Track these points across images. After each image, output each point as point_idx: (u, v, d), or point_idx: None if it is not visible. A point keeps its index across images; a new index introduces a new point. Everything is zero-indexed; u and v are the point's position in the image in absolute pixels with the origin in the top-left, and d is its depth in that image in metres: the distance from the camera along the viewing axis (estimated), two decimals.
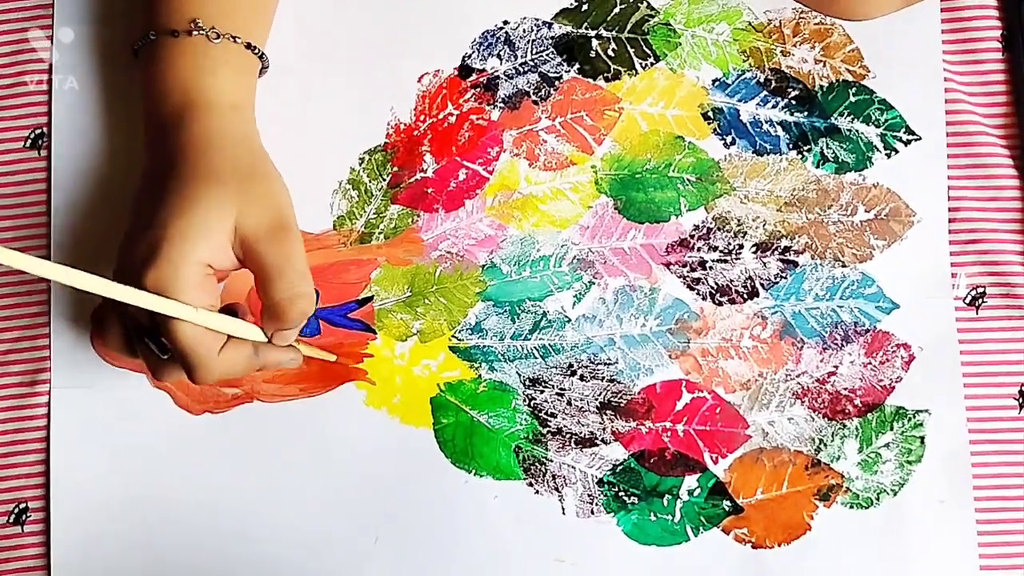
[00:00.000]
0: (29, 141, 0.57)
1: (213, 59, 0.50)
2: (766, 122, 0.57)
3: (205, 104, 0.49)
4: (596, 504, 0.55)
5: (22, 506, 0.55)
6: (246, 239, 0.46)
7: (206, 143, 0.48)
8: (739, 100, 0.57)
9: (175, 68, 0.50)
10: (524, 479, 0.55)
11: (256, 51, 0.52)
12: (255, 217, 0.46)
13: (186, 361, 0.45)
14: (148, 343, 0.46)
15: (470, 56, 0.57)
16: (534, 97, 0.57)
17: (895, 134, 0.57)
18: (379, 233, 0.56)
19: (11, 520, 0.55)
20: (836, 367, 0.56)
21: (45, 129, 0.56)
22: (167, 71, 0.50)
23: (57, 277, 0.41)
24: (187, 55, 0.50)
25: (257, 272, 0.47)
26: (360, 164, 0.56)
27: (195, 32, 0.50)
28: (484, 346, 0.56)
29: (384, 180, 0.56)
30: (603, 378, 0.55)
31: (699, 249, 0.56)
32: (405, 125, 0.57)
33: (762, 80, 0.57)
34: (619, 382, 0.55)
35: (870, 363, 0.55)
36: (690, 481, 0.55)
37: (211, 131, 0.49)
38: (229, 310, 0.48)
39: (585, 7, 0.58)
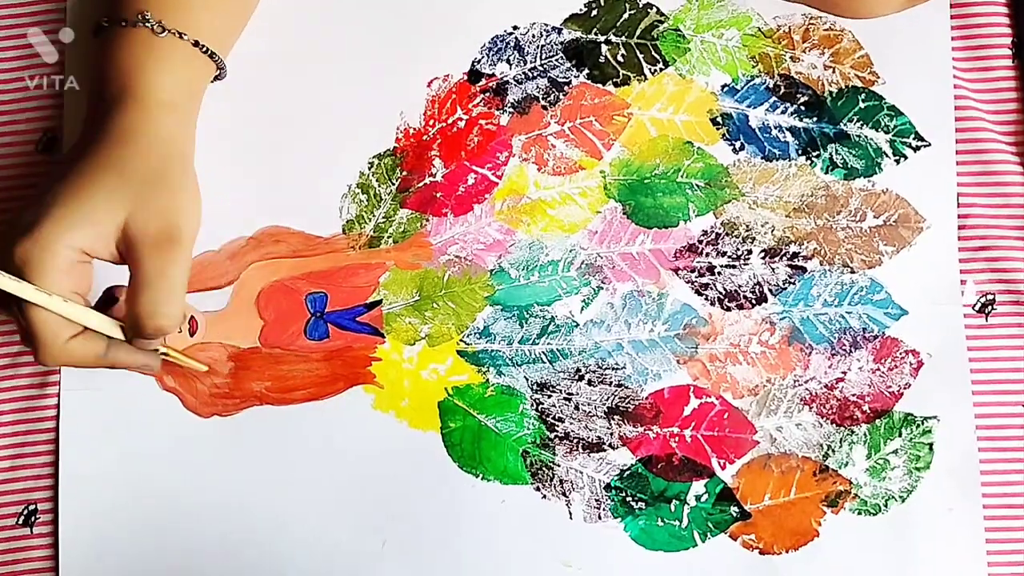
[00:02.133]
0: (41, 145, 0.57)
1: (156, 54, 0.49)
2: (775, 128, 0.57)
3: (137, 97, 0.49)
4: (603, 509, 0.55)
5: (31, 507, 0.55)
6: (130, 240, 0.45)
7: (124, 135, 0.47)
8: (748, 106, 0.57)
9: (119, 57, 0.49)
10: (531, 483, 0.55)
11: (205, 51, 0.51)
12: (144, 221, 0.46)
13: (31, 341, 0.45)
14: (14, 309, 0.46)
15: (480, 61, 0.57)
16: (543, 102, 0.57)
17: (904, 140, 0.57)
18: (388, 237, 0.56)
19: (20, 521, 0.55)
20: (844, 373, 0.55)
21: (57, 133, 0.57)
22: (112, 59, 0.50)
23: None
24: (131, 46, 0.49)
25: (132, 274, 0.46)
26: (370, 168, 0.57)
27: (141, 23, 0.49)
28: (492, 350, 0.56)
29: (393, 184, 0.56)
30: (611, 383, 0.55)
31: (708, 254, 0.56)
32: (415, 130, 0.57)
33: (771, 86, 0.57)
34: (627, 387, 0.55)
35: (879, 369, 0.55)
36: (698, 487, 0.55)
37: (133, 125, 0.48)
38: (107, 294, 0.48)
39: (594, 13, 0.58)
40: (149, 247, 0.45)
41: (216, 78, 0.54)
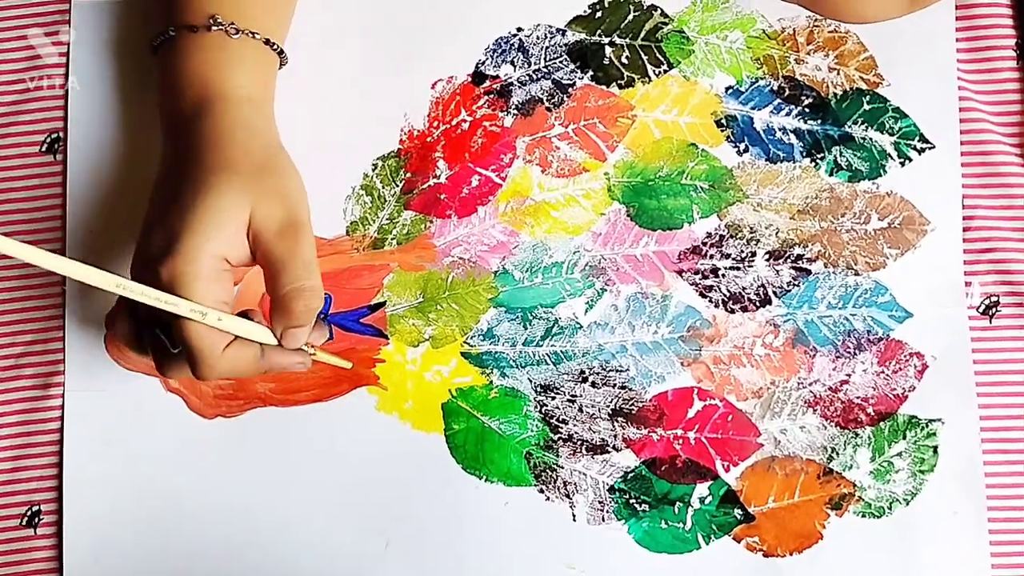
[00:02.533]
0: (45, 146, 0.57)
1: (231, 54, 0.50)
2: (779, 130, 0.57)
3: (222, 97, 0.49)
4: (607, 511, 0.54)
5: (35, 508, 0.55)
6: (257, 232, 0.46)
7: (222, 135, 0.48)
8: (752, 108, 0.57)
9: (193, 63, 0.50)
10: (535, 485, 0.55)
11: (275, 47, 0.52)
12: (267, 210, 0.46)
13: (191, 357, 0.45)
14: (158, 334, 0.46)
15: (484, 63, 0.57)
16: (547, 104, 0.57)
17: (909, 142, 0.57)
18: (392, 239, 0.56)
19: (24, 523, 0.55)
20: (849, 375, 0.55)
21: (61, 133, 0.57)
22: (185, 66, 0.50)
23: (66, 271, 0.41)
24: (205, 50, 0.50)
25: (265, 266, 0.46)
26: (374, 170, 0.56)
27: (214, 27, 0.50)
28: (496, 352, 0.56)
29: (397, 186, 0.56)
30: (615, 385, 0.55)
31: (711, 256, 0.56)
32: (418, 131, 0.57)
33: (776, 88, 0.57)
34: (631, 389, 0.55)
35: (883, 372, 0.55)
36: (701, 489, 0.55)
37: (227, 123, 0.49)
38: (242, 315, 0.47)
39: (599, 14, 0.58)
40: (277, 235, 0.46)
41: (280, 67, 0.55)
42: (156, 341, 0.46)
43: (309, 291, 0.46)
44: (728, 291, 0.56)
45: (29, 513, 0.55)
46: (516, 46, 0.58)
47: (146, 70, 0.54)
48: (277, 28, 0.53)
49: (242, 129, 0.49)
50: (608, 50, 0.58)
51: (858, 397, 0.55)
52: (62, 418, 0.55)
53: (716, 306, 0.56)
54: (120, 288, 0.43)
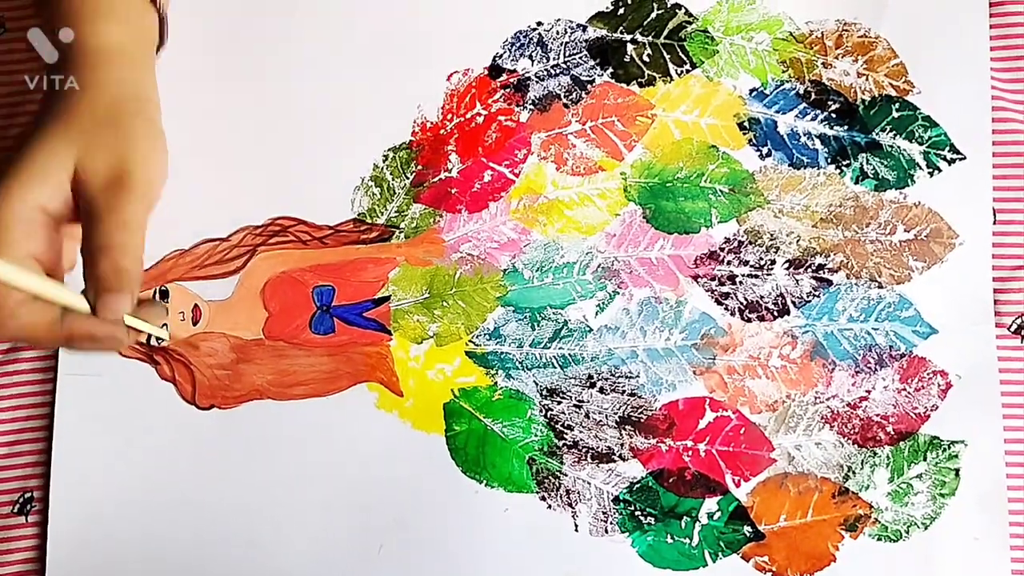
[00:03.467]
0: None
1: (106, 4, 0.48)
2: (804, 135, 0.55)
3: (87, 50, 0.48)
4: (611, 522, 0.53)
5: (27, 496, 0.54)
6: (80, 184, 0.44)
7: (73, 88, 0.46)
8: (777, 111, 0.56)
9: (63, 9, 0.48)
10: (537, 492, 0.53)
11: (157, 4, 0.50)
12: (94, 163, 0.44)
13: None
14: None
15: (501, 56, 0.56)
16: (565, 100, 0.56)
17: (939, 152, 0.55)
18: (400, 232, 0.55)
19: (15, 510, 0.54)
20: (868, 392, 0.53)
21: None
22: (60, 14, 0.48)
23: None
24: (81, 2, 0.48)
25: (83, 219, 0.44)
26: (384, 161, 0.55)
27: None
28: (502, 352, 0.54)
29: (407, 178, 0.55)
30: (623, 391, 0.54)
31: (729, 263, 0.55)
32: (431, 123, 0.56)
33: (802, 92, 0.56)
34: (640, 396, 0.54)
35: (905, 389, 0.53)
36: (710, 504, 0.53)
37: (86, 76, 0.47)
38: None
39: (621, 11, 0.57)
40: (99, 188, 0.44)
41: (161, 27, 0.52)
42: None
43: (118, 248, 0.42)
44: (745, 299, 0.54)
45: (21, 500, 0.54)
46: (535, 40, 0.56)
47: None
48: None
49: (96, 82, 0.47)
50: (629, 47, 0.56)
51: (877, 415, 0.53)
52: (53, 402, 0.54)
53: (732, 314, 0.54)
54: None
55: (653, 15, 0.57)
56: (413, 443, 0.53)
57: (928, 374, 0.53)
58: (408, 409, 0.54)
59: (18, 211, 0.43)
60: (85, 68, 0.47)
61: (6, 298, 0.42)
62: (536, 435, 0.53)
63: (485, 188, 0.55)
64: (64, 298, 0.43)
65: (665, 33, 0.57)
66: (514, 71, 0.56)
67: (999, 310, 0.54)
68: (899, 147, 0.55)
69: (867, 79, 0.56)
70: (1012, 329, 0.54)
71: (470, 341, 0.54)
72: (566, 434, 0.53)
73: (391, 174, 0.55)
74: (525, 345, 0.54)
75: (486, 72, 0.56)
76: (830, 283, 0.54)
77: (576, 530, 0.53)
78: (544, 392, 0.54)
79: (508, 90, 0.56)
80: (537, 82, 0.56)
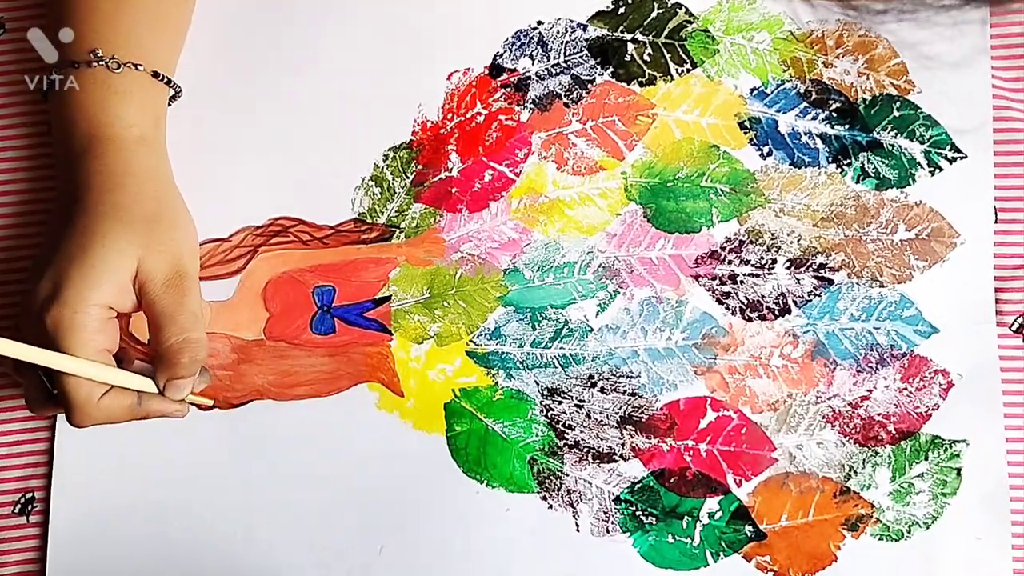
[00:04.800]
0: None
1: (116, 90, 0.49)
2: (805, 134, 0.55)
3: (111, 138, 0.49)
4: (612, 522, 0.53)
5: (28, 496, 0.54)
6: (144, 283, 0.46)
7: (112, 180, 0.48)
8: (778, 110, 0.56)
9: (79, 101, 0.49)
10: (538, 492, 0.53)
11: (162, 79, 0.51)
12: (155, 262, 0.46)
13: (66, 405, 0.45)
14: (39, 375, 0.46)
15: (502, 55, 0.56)
16: (565, 99, 0.56)
17: (940, 151, 0.55)
18: (400, 232, 0.55)
19: (16, 510, 0.54)
20: (870, 391, 0.53)
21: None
22: (71, 103, 0.49)
23: None
24: (89, 86, 0.49)
25: (151, 317, 0.46)
26: (384, 161, 0.55)
27: (95, 63, 0.49)
28: (502, 352, 0.54)
29: (408, 178, 0.55)
30: (625, 391, 0.54)
31: (730, 262, 0.54)
32: (432, 123, 0.56)
33: (802, 91, 0.56)
34: (641, 396, 0.53)
35: (906, 389, 0.53)
36: (711, 503, 0.53)
37: (117, 167, 0.48)
38: (118, 358, 0.48)
39: (622, 10, 0.57)
40: (163, 286, 0.46)
41: (172, 99, 0.54)
42: (33, 377, 0.46)
43: (195, 343, 0.46)
44: (746, 299, 0.54)
45: (22, 500, 0.54)
46: (536, 39, 0.56)
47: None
48: (163, 57, 0.52)
49: (133, 175, 0.48)
50: (630, 47, 0.56)
51: (879, 414, 0.53)
52: None
53: (733, 314, 0.54)
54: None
55: (654, 14, 0.57)
56: (414, 443, 0.53)
57: (929, 373, 0.53)
58: (409, 409, 0.54)
59: (92, 313, 0.45)
60: (119, 163, 0.48)
61: (93, 392, 0.45)
62: (537, 435, 0.53)
63: (486, 188, 0.55)
64: (137, 384, 0.47)
65: (666, 32, 0.56)
66: (515, 70, 0.56)
67: (1000, 309, 0.54)
68: (900, 146, 0.55)
69: (868, 78, 0.56)
70: (1013, 328, 0.54)
71: (471, 341, 0.54)
72: (567, 434, 0.53)
73: (391, 174, 0.55)
74: (526, 345, 0.54)
75: (486, 71, 0.56)
76: (831, 282, 0.54)
77: (577, 530, 0.53)
78: (545, 392, 0.54)
79: (509, 89, 0.56)
80: (538, 81, 0.56)
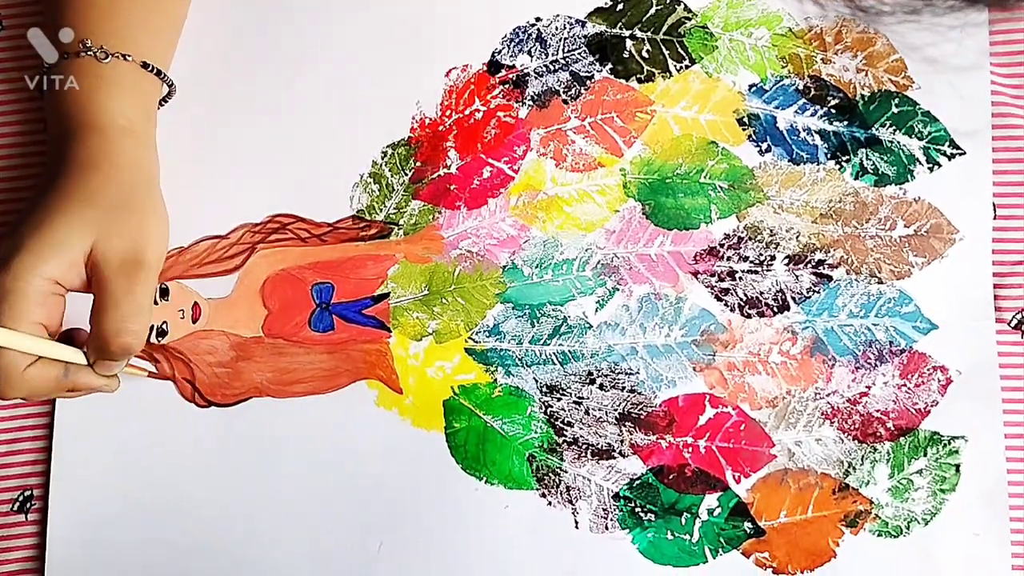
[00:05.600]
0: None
1: (105, 79, 0.50)
2: (804, 130, 0.55)
3: (96, 126, 0.49)
4: (611, 519, 0.53)
5: (27, 494, 0.54)
6: (96, 264, 0.46)
7: (88, 163, 0.48)
8: (776, 107, 0.55)
9: (68, 89, 0.50)
10: (537, 489, 0.53)
11: (153, 70, 0.51)
12: (111, 246, 0.46)
13: None
14: None
15: (500, 52, 0.56)
16: (564, 96, 0.56)
17: (939, 148, 0.55)
18: (399, 229, 0.55)
19: (15, 508, 0.54)
20: (869, 387, 0.53)
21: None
22: (61, 92, 0.50)
23: None
24: (78, 76, 0.50)
25: (96, 298, 0.46)
26: (383, 158, 0.55)
27: (83, 53, 0.49)
28: (501, 349, 0.54)
29: (406, 175, 0.55)
30: (623, 388, 0.53)
31: (729, 259, 0.54)
32: (430, 120, 0.56)
33: (801, 87, 0.56)
34: (640, 393, 0.53)
35: (905, 385, 0.53)
36: (710, 500, 0.53)
37: (97, 153, 0.48)
38: (66, 335, 0.48)
39: (620, 7, 0.56)
40: (114, 270, 0.46)
41: (165, 98, 0.54)
42: None
43: (131, 334, 0.46)
44: (745, 295, 0.54)
45: (20, 498, 0.54)
46: (534, 36, 0.56)
47: None
48: (154, 49, 0.52)
49: (110, 161, 0.48)
50: (629, 43, 0.56)
51: (878, 410, 0.53)
52: (54, 402, 0.54)
53: (732, 310, 0.54)
54: None
55: (652, 11, 0.56)
56: (413, 440, 0.53)
57: (928, 370, 0.53)
58: (408, 406, 0.53)
59: (34, 284, 0.45)
60: (100, 149, 0.49)
61: (18, 362, 0.45)
62: (536, 432, 0.53)
63: (484, 184, 0.55)
64: (67, 356, 0.47)
65: (664, 29, 0.56)
66: (513, 67, 0.56)
67: (999, 305, 0.54)
68: (899, 142, 0.55)
69: (867, 74, 0.56)
70: (1012, 324, 0.53)
71: (470, 338, 0.54)
72: (566, 431, 0.53)
73: (390, 171, 0.55)
74: (525, 342, 0.54)
75: (485, 68, 0.56)
76: (830, 279, 0.54)
77: (576, 527, 0.53)
78: (544, 389, 0.54)
79: (507, 86, 0.56)
80: (536, 78, 0.56)
